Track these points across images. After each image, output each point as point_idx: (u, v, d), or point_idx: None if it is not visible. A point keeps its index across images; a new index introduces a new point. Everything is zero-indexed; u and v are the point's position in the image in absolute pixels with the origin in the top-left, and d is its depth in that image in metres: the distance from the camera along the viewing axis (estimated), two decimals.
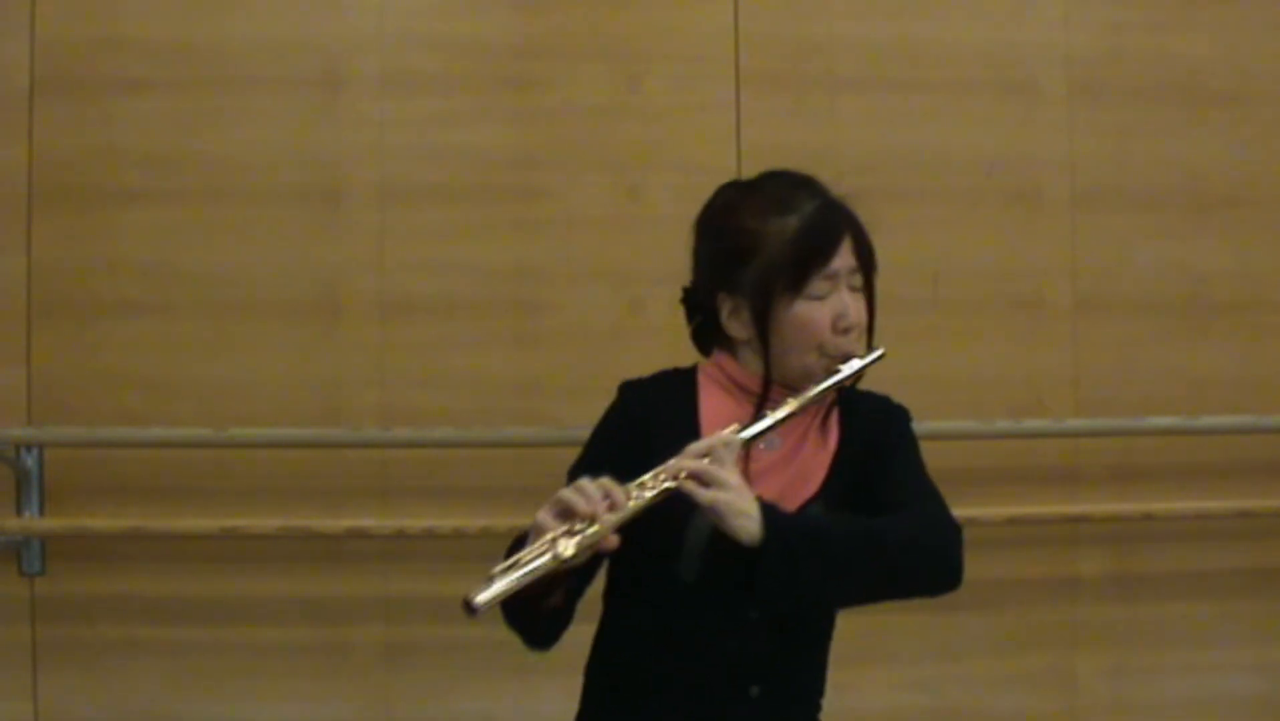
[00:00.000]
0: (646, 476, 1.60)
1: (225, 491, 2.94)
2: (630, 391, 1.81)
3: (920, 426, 3.04)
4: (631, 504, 1.57)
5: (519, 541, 1.62)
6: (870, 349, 1.78)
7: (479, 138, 3.02)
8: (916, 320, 3.14)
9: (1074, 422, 3.17)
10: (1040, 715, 3.20)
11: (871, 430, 1.81)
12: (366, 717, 3.00)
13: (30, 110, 2.92)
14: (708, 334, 1.80)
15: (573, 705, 1.82)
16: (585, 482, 1.58)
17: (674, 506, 1.61)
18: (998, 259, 3.18)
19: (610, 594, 1.80)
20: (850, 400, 1.81)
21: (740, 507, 1.56)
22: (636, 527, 1.60)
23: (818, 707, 1.82)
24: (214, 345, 2.96)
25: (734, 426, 1.66)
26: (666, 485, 1.58)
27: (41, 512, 2.91)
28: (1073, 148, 3.20)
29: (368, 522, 2.92)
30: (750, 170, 3.05)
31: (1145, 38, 3.23)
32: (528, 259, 3.04)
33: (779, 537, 1.56)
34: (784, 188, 1.77)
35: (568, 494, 1.57)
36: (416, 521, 2.91)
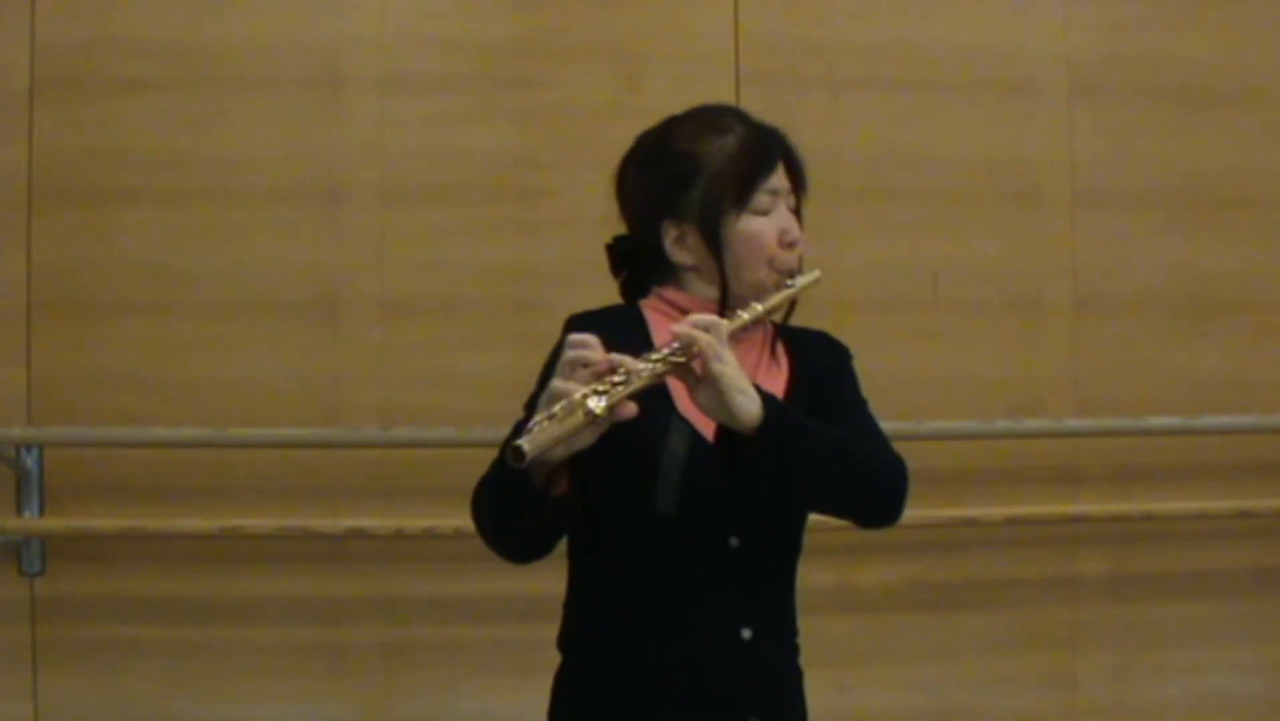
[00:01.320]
0: (653, 351, 1.58)
1: (225, 491, 2.94)
2: (576, 319, 1.77)
3: (920, 426, 3.08)
4: (644, 368, 1.54)
5: (519, 427, 1.59)
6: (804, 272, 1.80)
7: (479, 138, 3.02)
8: (916, 320, 3.14)
9: (1074, 423, 3.17)
10: (1040, 715, 3.20)
11: (820, 358, 1.82)
12: (366, 717, 3.00)
13: (30, 110, 2.92)
14: (639, 281, 1.81)
15: None
16: (585, 337, 1.56)
17: (647, 435, 1.61)
18: (998, 259, 3.18)
19: (580, 550, 1.74)
20: (793, 336, 1.83)
21: (741, 385, 1.56)
22: (609, 459, 1.58)
23: (797, 650, 1.81)
24: (214, 345, 2.96)
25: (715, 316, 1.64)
26: (672, 357, 1.56)
27: (41, 512, 2.91)
28: (1073, 148, 3.20)
29: (368, 522, 2.92)
30: None
31: (1145, 38, 3.23)
32: (528, 259, 3.04)
33: (776, 419, 1.57)
34: (713, 114, 1.79)
35: (578, 351, 1.55)
36: (416, 521, 2.91)
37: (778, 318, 1.78)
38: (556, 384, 1.53)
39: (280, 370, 2.97)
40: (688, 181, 1.74)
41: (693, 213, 1.73)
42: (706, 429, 1.67)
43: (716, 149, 1.74)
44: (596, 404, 1.50)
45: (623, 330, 1.71)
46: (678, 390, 1.65)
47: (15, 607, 2.91)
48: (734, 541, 1.68)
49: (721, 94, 3.08)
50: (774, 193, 1.75)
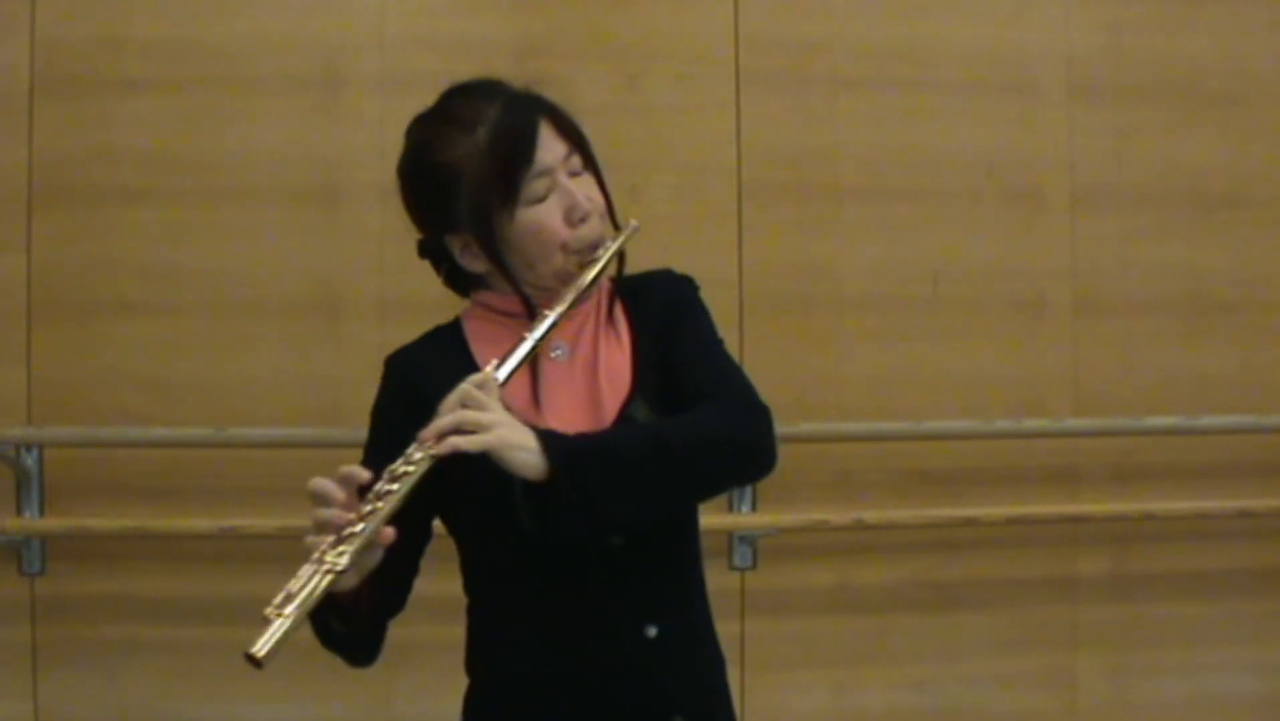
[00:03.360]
0: (411, 448, 1.49)
1: (225, 491, 2.94)
2: (393, 362, 1.72)
3: (920, 426, 3.08)
4: (397, 486, 1.46)
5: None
6: (619, 227, 1.69)
7: None
8: (916, 320, 3.14)
9: (1074, 422, 3.17)
10: (1040, 715, 3.20)
11: (658, 312, 1.71)
12: (366, 717, 3.00)
13: (30, 110, 2.92)
14: (459, 277, 1.73)
15: None
16: (328, 486, 1.46)
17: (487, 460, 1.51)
18: (998, 259, 3.18)
19: (469, 574, 1.71)
20: (632, 288, 1.73)
21: (515, 442, 1.48)
22: (467, 486, 1.54)
23: (723, 661, 1.74)
24: (214, 345, 2.96)
25: (492, 363, 1.57)
26: (431, 452, 1.47)
27: (41, 512, 2.91)
28: (1073, 148, 3.20)
29: None
30: (751, 171, 3.09)
31: (1145, 38, 3.23)
32: None
33: (565, 463, 1.48)
34: (464, 104, 1.67)
35: (319, 512, 1.46)
36: None
37: (612, 270, 1.69)
38: (307, 540, 1.45)
39: (280, 370, 2.97)
40: (450, 192, 1.63)
41: (466, 223, 1.64)
42: (555, 428, 1.59)
43: (469, 150, 1.61)
44: (337, 558, 1.42)
45: (443, 356, 1.66)
46: (519, 402, 1.59)
47: (15, 607, 2.91)
48: (616, 540, 1.61)
49: (721, 94, 3.09)
50: (545, 173, 1.62)
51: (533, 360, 1.61)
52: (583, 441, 1.54)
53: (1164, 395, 3.19)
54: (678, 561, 1.69)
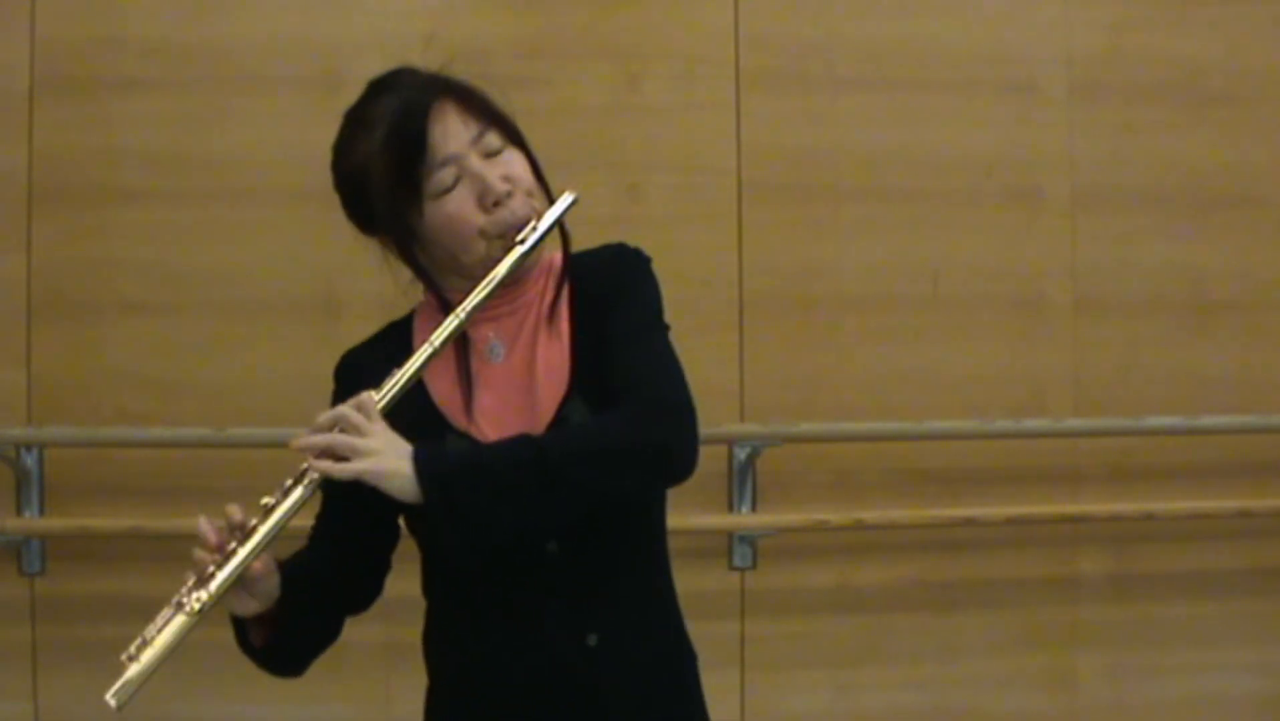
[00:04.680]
0: (285, 482, 1.48)
1: (225, 491, 2.93)
2: (340, 365, 1.70)
3: (920, 426, 3.08)
4: (269, 522, 1.47)
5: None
6: (551, 199, 1.60)
7: None
8: (916, 319, 3.14)
9: (1074, 422, 3.17)
10: (1040, 715, 3.20)
11: (599, 294, 1.61)
12: (366, 717, 3.00)
13: (30, 110, 2.92)
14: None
15: None
16: (203, 526, 1.50)
17: None
18: (998, 259, 3.18)
19: (424, 580, 1.71)
20: (576, 270, 1.63)
21: (388, 470, 1.45)
22: (391, 505, 1.50)
23: (688, 656, 1.67)
24: (214, 345, 2.96)
25: (382, 387, 1.52)
26: (305, 479, 1.47)
27: (41, 512, 2.91)
28: (1073, 148, 3.20)
29: None
30: (751, 171, 3.09)
31: (1145, 38, 3.23)
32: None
33: (436, 486, 1.44)
34: (368, 101, 1.62)
35: (194, 552, 1.47)
36: None
37: (552, 246, 1.62)
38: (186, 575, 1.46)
39: (280, 370, 2.97)
40: (361, 196, 1.58)
41: (382, 225, 1.59)
42: (489, 434, 1.56)
43: (370, 150, 1.56)
44: (195, 600, 1.44)
45: (386, 353, 1.61)
46: (452, 408, 1.56)
47: (15, 607, 2.91)
48: (551, 546, 1.56)
49: (721, 94, 3.09)
50: (448, 161, 1.54)
51: (465, 363, 1.57)
52: (457, 461, 1.48)
53: (1164, 395, 3.20)
54: (623, 566, 1.61)
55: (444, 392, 1.58)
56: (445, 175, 1.55)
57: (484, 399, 1.59)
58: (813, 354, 3.11)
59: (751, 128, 3.10)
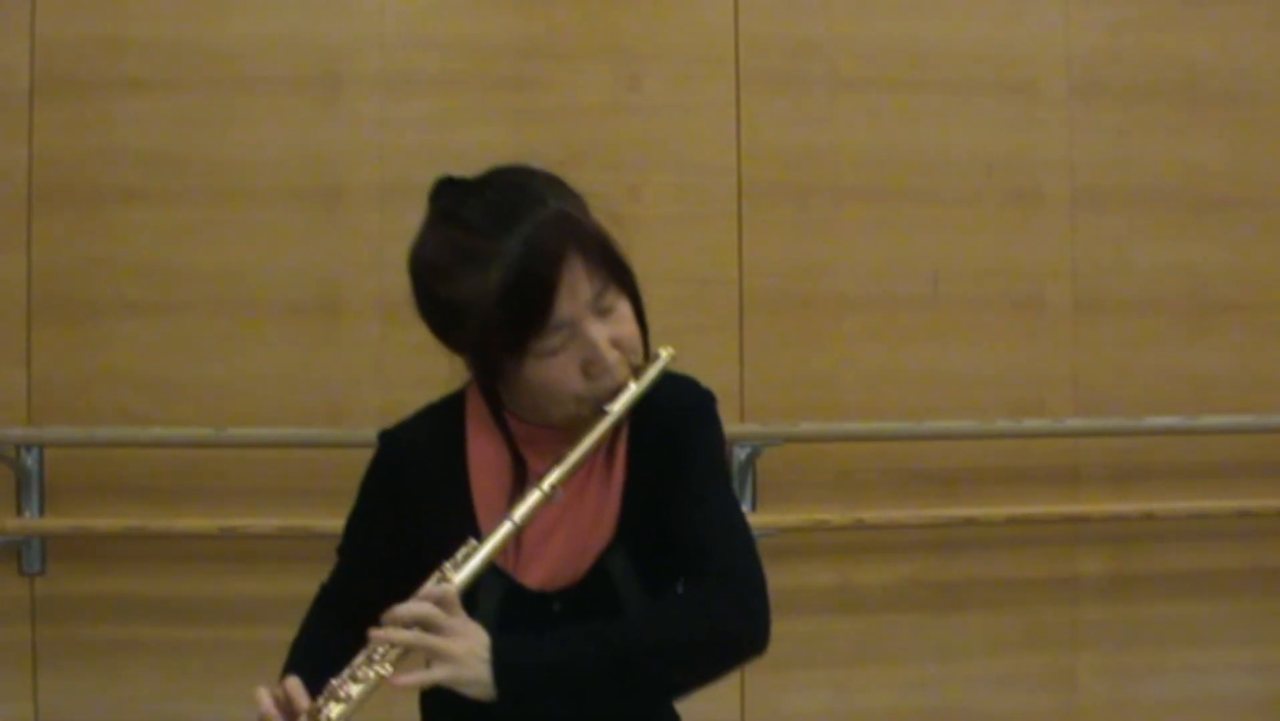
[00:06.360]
0: (359, 659, 1.42)
1: (225, 491, 2.94)
2: (385, 443, 1.60)
3: (920, 426, 3.08)
4: (340, 707, 1.41)
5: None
6: (650, 357, 1.51)
7: (479, 138, 3.02)
8: (916, 320, 3.14)
9: (1074, 422, 3.17)
10: (1040, 715, 3.20)
11: (661, 444, 1.52)
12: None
13: (30, 110, 2.92)
14: None
15: None
16: (266, 703, 1.42)
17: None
18: (998, 259, 3.18)
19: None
20: (645, 406, 1.51)
21: (468, 678, 1.39)
22: (412, 580, 1.44)
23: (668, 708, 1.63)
24: (214, 345, 2.96)
25: (461, 572, 1.43)
26: (379, 671, 1.42)
27: (41, 512, 2.91)
28: (1073, 148, 3.20)
29: None
30: (751, 171, 3.09)
31: (1145, 38, 3.23)
32: None
33: (512, 691, 1.38)
34: (481, 225, 1.47)
35: None
36: None
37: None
38: None
39: (280, 370, 2.97)
40: (455, 324, 1.48)
41: (468, 356, 1.51)
42: (530, 581, 1.51)
43: (480, 290, 1.42)
44: None
45: (434, 449, 1.55)
46: (489, 526, 1.47)
47: (15, 607, 2.91)
48: (556, 606, 1.53)
49: (721, 94, 3.09)
50: (564, 325, 1.42)
51: (518, 494, 1.49)
52: (536, 665, 1.40)
53: (1164, 395, 3.20)
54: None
55: (488, 511, 1.52)
56: (556, 340, 1.44)
57: (529, 536, 1.51)
58: (813, 354, 3.11)
59: (751, 128, 3.10)
